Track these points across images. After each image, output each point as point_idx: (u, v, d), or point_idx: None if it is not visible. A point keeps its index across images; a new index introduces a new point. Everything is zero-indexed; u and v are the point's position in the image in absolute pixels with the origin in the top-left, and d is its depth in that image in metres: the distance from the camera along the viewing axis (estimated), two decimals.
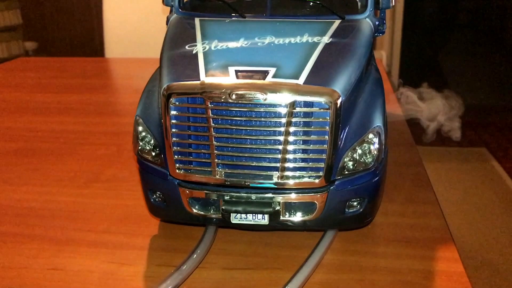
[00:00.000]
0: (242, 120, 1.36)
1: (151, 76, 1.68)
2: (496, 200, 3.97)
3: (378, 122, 1.44)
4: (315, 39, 1.51)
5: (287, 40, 1.51)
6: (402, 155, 2.25)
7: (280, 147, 1.36)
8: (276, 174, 1.38)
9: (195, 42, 1.54)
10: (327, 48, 1.47)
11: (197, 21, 1.67)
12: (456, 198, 3.87)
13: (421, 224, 1.72)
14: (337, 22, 1.62)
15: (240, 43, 1.51)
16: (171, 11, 1.87)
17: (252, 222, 1.43)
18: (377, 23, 1.70)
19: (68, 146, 2.44)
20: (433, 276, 1.48)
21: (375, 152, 1.42)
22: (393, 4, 1.76)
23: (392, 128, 2.04)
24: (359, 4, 1.78)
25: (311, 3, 1.72)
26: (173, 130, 1.40)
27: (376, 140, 1.42)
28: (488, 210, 3.63)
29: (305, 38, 1.52)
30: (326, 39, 1.51)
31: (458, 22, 7.68)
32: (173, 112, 1.39)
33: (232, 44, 1.51)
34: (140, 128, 1.51)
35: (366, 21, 1.66)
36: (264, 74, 1.37)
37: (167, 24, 1.84)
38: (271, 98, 1.33)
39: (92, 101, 3.12)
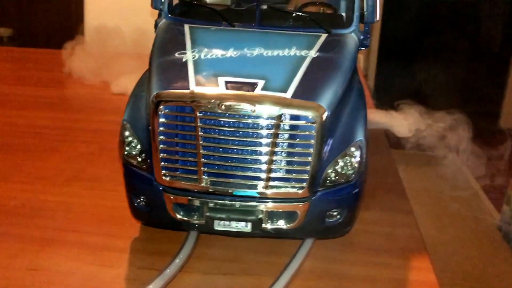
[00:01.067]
0: (230, 130, 1.39)
1: (139, 81, 1.69)
2: (464, 204, 4.12)
3: (360, 136, 1.50)
4: (303, 52, 1.55)
5: (275, 53, 1.55)
6: (378, 162, 2.31)
7: (266, 157, 1.40)
8: (261, 183, 1.42)
9: (185, 49, 1.56)
10: (314, 62, 1.52)
11: (186, 27, 1.69)
12: (428, 202, 4.00)
13: (396, 233, 1.79)
14: (324, 36, 1.66)
15: (230, 53, 1.54)
16: (159, 15, 1.88)
17: (235, 229, 1.47)
18: (361, 37, 1.75)
19: (48, 143, 2.43)
20: (407, 285, 1.54)
21: (356, 165, 1.47)
22: (378, 19, 1.81)
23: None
24: (344, 18, 1.82)
25: (299, 15, 1.75)
26: (161, 137, 1.42)
27: (357, 153, 1.48)
28: (459, 217, 3.77)
29: (293, 51, 1.56)
30: (313, 53, 1.56)
31: (435, 27, 7.85)
32: (161, 120, 1.41)
33: (221, 54, 1.53)
34: (127, 133, 1.52)
35: (351, 36, 1.71)
36: (253, 86, 1.41)
37: (155, 28, 1.85)
38: (259, 110, 1.37)
39: (71, 96, 3.10)
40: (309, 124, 1.39)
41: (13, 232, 1.74)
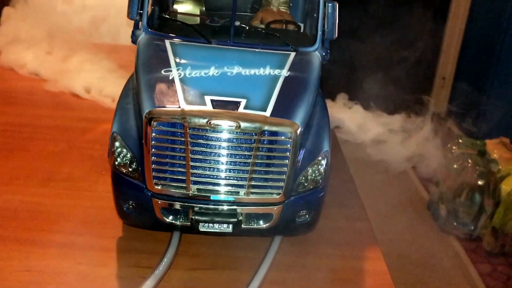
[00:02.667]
0: (216, 144, 1.57)
1: (122, 92, 1.81)
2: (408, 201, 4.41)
3: (326, 146, 1.72)
4: (276, 71, 1.74)
5: (252, 71, 1.73)
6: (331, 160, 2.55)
7: (248, 168, 1.59)
8: (242, 190, 1.61)
9: (170, 67, 1.70)
10: (286, 81, 1.71)
11: (167, 44, 1.82)
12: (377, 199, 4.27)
13: (351, 227, 2.04)
14: (292, 55, 1.85)
15: (212, 71, 1.70)
16: (135, 26, 1.99)
17: (217, 230, 1.65)
18: (323, 53, 1.96)
19: (16, 141, 2.47)
20: (362, 274, 1.80)
21: (323, 172, 1.70)
22: (336, 36, 2.02)
23: None
24: (309, 37, 2.03)
25: (270, 33, 1.94)
26: (153, 150, 1.57)
27: (324, 162, 1.70)
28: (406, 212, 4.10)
29: (267, 70, 1.74)
30: (285, 72, 1.75)
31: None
32: (154, 134, 1.56)
33: (204, 72, 1.69)
34: (117, 144, 1.65)
35: (315, 54, 1.92)
36: (237, 104, 1.59)
37: (132, 39, 1.97)
38: (243, 126, 1.55)
39: (33, 90, 3.10)
40: (285, 139, 1.59)
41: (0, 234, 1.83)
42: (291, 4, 2.27)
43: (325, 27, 2.00)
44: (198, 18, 2.10)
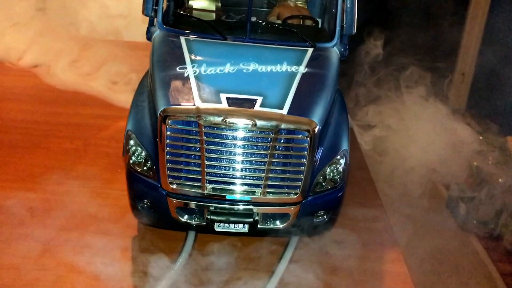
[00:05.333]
0: (232, 142, 1.54)
1: (137, 89, 1.79)
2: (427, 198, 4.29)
3: (344, 145, 1.68)
4: (293, 68, 1.70)
5: (269, 68, 1.69)
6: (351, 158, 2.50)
7: (264, 167, 1.56)
8: (259, 190, 1.58)
9: (185, 64, 1.67)
10: (304, 78, 1.67)
11: (182, 40, 1.79)
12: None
13: (370, 227, 2.00)
14: (310, 51, 1.81)
15: (227, 68, 1.67)
16: (151, 23, 1.97)
17: (233, 230, 1.63)
18: (342, 49, 1.91)
19: (34, 138, 2.47)
20: (381, 275, 1.76)
21: (342, 172, 1.66)
22: (355, 31, 1.97)
23: None
24: (327, 32, 1.98)
25: (286, 29, 1.90)
26: (168, 148, 1.55)
27: (343, 161, 1.66)
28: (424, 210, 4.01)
29: (284, 67, 1.71)
30: (302, 68, 1.71)
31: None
32: (168, 133, 1.53)
33: (220, 69, 1.66)
34: (132, 142, 1.63)
35: (334, 50, 1.87)
36: (253, 102, 1.55)
37: (147, 36, 1.94)
38: (259, 125, 1.52)
39: (47, 87, 3.11)
40: (303, 137, 1.55)
41: (18, 232, 1.82)
42: None
43: (344, 22, 1.95)
44: (214, 14, 2.07)
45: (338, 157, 1.66)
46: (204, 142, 1.53)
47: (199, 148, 1.54)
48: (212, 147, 1.54)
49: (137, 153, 1.63)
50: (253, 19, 1.88)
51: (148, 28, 1.96)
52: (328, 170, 1.65)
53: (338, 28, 1.92)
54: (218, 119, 1.51)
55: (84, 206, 1.99)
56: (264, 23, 1.90)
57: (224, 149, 1.55)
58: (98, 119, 2.71)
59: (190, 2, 2.16)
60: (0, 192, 2.04)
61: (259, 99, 1.57)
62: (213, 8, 2.16)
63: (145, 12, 1.97)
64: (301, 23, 2.08)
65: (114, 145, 2.44)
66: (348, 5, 1.94)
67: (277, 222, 1.66)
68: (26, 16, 3.74)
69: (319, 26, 2.15)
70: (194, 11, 2.06)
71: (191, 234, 1.76)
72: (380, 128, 3.15)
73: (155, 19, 1.95)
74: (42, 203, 1.99)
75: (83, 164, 2.29)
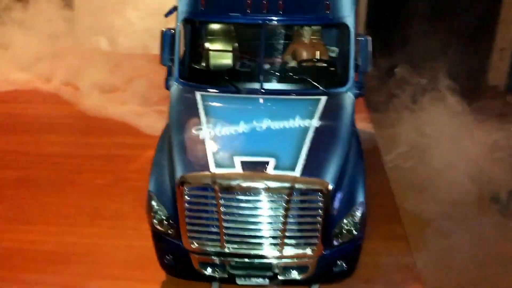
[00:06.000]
0: (247, 206, 1.59)
1: (158, 145, 1.85)
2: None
3: (361, 197, 1.70)
4: (306, 123, 1.73)
5: (281, 124, 1.72)
6: (372, 182, 2.48)
7: (280, 226, 1.60)
8: (276, 248, 1.63)
9: (200, 124, 1.73)
10: (317, 133, 1.69)
11: (198, 96, 1.84)
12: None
13: (394, 263, 2.01)
14: (323, 100, 1.82)
15: (241, 127, 1.71)
16: (169, 73, 2.02)
17: (254, 283, 1.69)
18: (356, 91, 1.91)
19: (65, 175, 2.58)
20: None
21: (359, 224, 1.68)
22: (370, 69, 1.97)
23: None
24: (340, 74, 1.98)
25: (298, 78, 1.92)
26: (186, 212, 1.61)
27: (359, 213, 1.68)
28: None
29: (297, 121, 1.73)
30: (315, 122, 1.73)
31: None
32: (186, 198, 1.60)
33: (234, 130, 1.70)
34: (154, 203, 1.71)
35: (348, 95, 1.87)
36: (265, 165, 1.59)
37: (166, 85, 2.00)
38: (272, 187, 1.56)
39: (78, 114, 3.22)
40: (316, 198, 1.59)
41: (51, 280, 1.93)
42: (322, 33, 2.22)
43: (359, 61, 1.95)
44: (231, 57, 2.09)
45: (355, 210, 1.68)
46: (220, 205, 1.59)
47: (216, 211, 1.61)
48: (228, 210, 1.60)
49: (158, 213, 1.70)
50: (267, 66, 1.91)
51: (166, 78, 2.01)
52: (345, 221, 1.68)
53: (351, 70, 1.91)
54: (233, 184, 1.56)
55: (114, 249, 2.08)
56: (277, 71, 1.92)
57: (241, 211, 1.60)
58: (128, 149, 2.81)
59: (207, 44, 2.19)
60: (34, 237, 2.15)
61: (272, 161, 1.61)
62: (230, 47, 2.18)
63: (162, 62, 2.02)
64: (313, 65, 2.08)
65: (144, 178, 2.51)
66: (362, 45, 1.94)
67: (297, 273, 1.71)
68: (53, 37, 3.86)
69: (335, 63, 2.13)
70: (212, 53, 2.08)
71: (215, 283, 1.84)
72: None
73: (173, 67, 2.00)
74: (74, 248, 2.09)
75: (114, 202, 2.38)
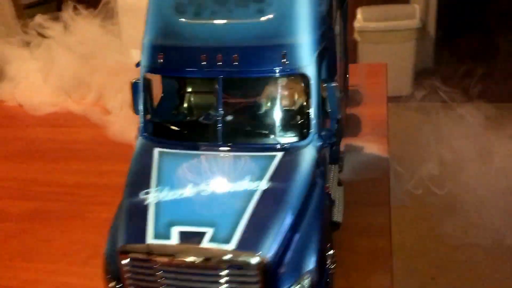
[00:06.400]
0: (184, 278, 1.57)
1: (118, 207, 1.86)
2: None
3: (311, 264, 1.60)
4: (254, 185, 1.65)
5: (229, 187, 1.66)
6: (374, 219, 2.33)
7: None
8: None
9: (149, 187, 1.72)
10: (261, 199, 1.61)
11: (156, 153, 1.83)
12: None
13: None
14: (279, 156, 1.73)
15: (188, 191, 1.68)
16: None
17: None
18: (319, 143, 1.78)
19: (77, 208, 2.68)
20: None
21: None
22: (340, 115, 1.83)
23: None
24: (301, 127, 1.86)
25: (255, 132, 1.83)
26: (130, 281, 1.63)
27: (307, 284, 1.59)
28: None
29: (245, 183, 1.66)
30: (262, 185, 1.65)
31: None
32: (127, 268, 1.61)
33: (180, 193, 1.68)
34: (108, 268, 1.74)
35: (308, 149, 1.76)
36: (201, 236, 1.55)
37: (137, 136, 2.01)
38: (206, 261, 1.53)
39: (97, 139, 3.32)
40: (252, 272, 1.52)
41: None
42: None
43: (327, 108, 1.82)
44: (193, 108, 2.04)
45: (301, 279, 1.59)
46: (160, 277, 1.59)
47: (156, 282, 1.60)
48: (167, 281, 1.59)
49: (110, 279, 1.73)
50: (226, 119, 1.84)
51: (137, 135, 2.01)
52: None
53: (313, 122, 1.79)
54: (168, 257, 1.55)
55: None
56: (236, 125, 1.85)
57: (179, 283, 1.58)
58: None
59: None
60: (33, 276, 2.26)
61: (209, 232, 1.56)
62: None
63: (135, 111, 2.03)
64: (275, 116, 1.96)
65: None
66: (329, 93, 1.80)
67: None
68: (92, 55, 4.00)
69: (297, 115, 2.00)
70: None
71: None
72: None
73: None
74: None
75: None
